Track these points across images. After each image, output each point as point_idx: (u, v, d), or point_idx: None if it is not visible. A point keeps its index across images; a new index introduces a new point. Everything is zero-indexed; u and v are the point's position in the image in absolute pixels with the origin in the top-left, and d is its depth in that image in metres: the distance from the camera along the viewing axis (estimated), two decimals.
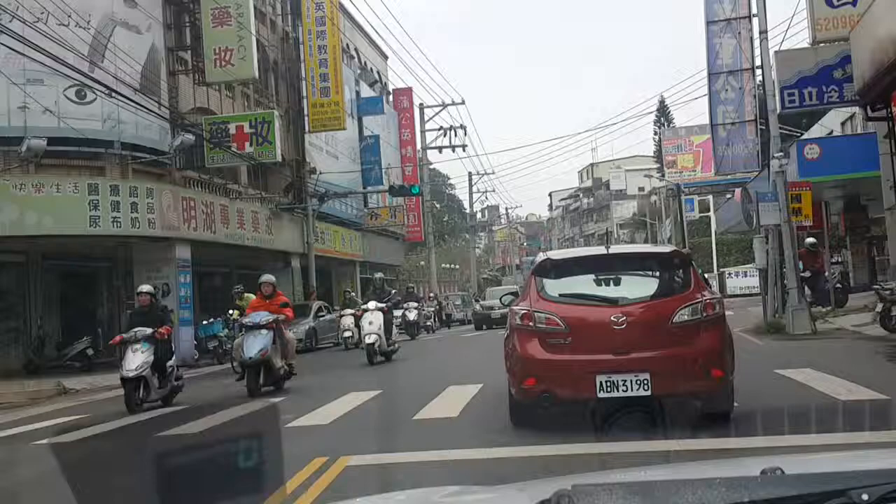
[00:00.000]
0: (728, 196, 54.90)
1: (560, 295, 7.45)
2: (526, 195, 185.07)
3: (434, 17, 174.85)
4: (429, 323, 35.70)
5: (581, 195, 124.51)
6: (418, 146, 46.39)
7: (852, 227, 32.57)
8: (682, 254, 8.20)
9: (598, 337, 7.04)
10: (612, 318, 7.00)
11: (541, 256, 8.45)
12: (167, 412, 11.43)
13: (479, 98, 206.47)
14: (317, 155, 32.62)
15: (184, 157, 23.38)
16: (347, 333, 22.43)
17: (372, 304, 16.89)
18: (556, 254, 8.84)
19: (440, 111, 46.41)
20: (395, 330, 18.47)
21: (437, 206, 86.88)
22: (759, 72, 18.98)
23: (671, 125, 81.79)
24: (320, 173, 30.63)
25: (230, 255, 26.25)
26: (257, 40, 29.09)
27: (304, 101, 31.21)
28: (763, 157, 18.98)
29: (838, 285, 19.86)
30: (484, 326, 31.13)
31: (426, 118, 46.64)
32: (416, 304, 28.11)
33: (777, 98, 16.75)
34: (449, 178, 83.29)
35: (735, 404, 7.25)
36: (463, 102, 46.68)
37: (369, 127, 39.67)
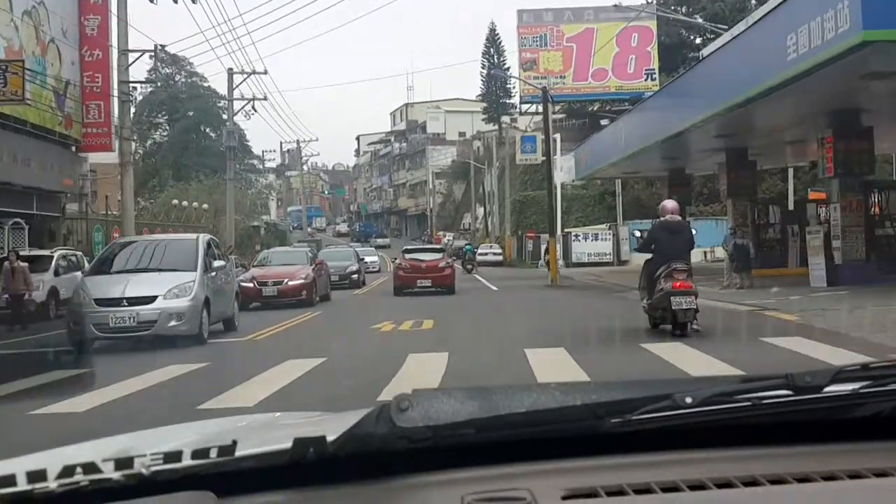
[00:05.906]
0: (605, 123, 37.91)
1: (408, 257, 27.87)
2: (331, 140, 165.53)
3: None
4: None
5: (393, 139, 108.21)
6: None
7: (736, 189, 25.51)
8: (442, 247, 35.02)
9: (418, 269, 26.85)
10: (422, 264, 27.01)
11: (404, 247, 30.48)
12: None
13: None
14: None
15: None
16: None
17: None
18: (409, 245, 32.70)
19: None
20: None
21: (210, 133, 65.97)
22: None
23: (503, 59, 66.27)
24: None
25: None
26: None
27: None
28: None
29: None
30: None
31: None
32: None
33: None
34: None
35: None
36: None
37: None
